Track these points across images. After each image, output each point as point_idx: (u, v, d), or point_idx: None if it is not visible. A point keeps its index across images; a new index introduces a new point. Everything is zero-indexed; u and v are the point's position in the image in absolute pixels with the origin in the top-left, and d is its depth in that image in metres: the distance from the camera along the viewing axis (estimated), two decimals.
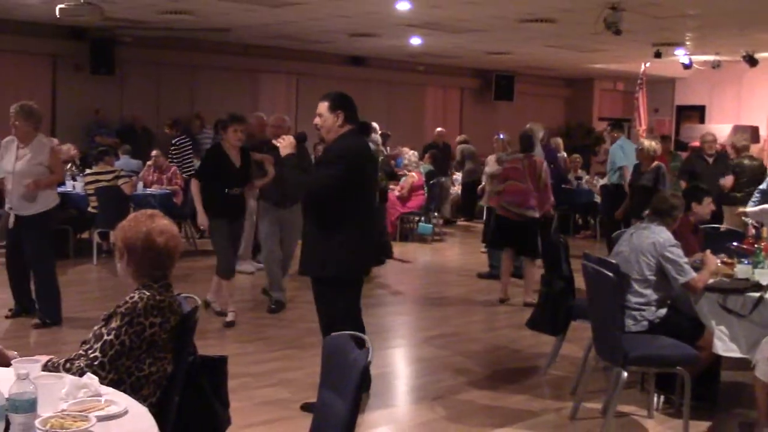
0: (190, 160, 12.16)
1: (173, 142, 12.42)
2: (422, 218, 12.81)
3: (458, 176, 15.07)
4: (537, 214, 8.03)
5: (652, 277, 4.96)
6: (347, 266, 4.86)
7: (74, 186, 10.25)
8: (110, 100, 14.06)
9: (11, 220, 6.56)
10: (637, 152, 8.98)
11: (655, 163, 8.49)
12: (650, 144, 8.57)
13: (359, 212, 4.86)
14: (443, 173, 13.86)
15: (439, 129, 15.51)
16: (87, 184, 9.74)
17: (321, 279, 4.95)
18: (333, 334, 3.01)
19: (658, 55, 13.64)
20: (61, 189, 9.92)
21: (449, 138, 15.57)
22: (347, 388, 2.66)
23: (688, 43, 13.50)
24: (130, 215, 3.26)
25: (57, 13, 9.06)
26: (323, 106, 4.89)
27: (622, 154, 10.39)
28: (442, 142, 14.94)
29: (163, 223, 3.18)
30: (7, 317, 6.81)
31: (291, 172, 5.03)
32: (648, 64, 15.83)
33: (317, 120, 4.91)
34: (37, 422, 2.25)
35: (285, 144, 4.96)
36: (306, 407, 4.85)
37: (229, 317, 6.96)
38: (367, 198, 4.98)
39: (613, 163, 10.49)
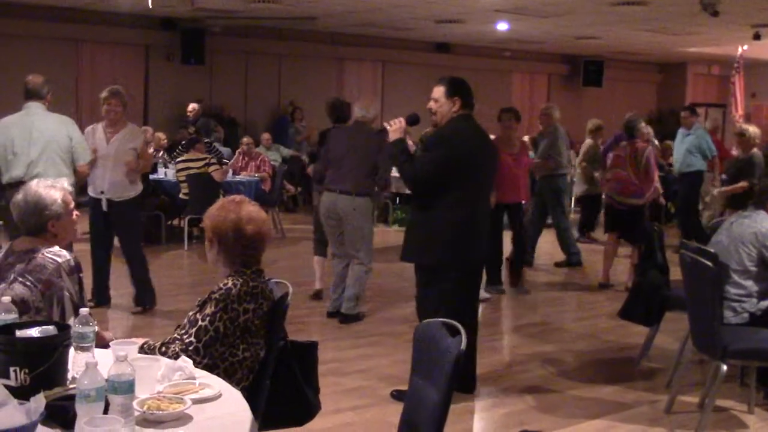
0: None
1: None
2: None
3: None
4: (640, 201, 7.89)
5: (753, 268, 4.76)
6: (448, 254, 4.73)
7: (166, 173, 10.48)
8: (200, 89, 14.33)
9: (104, 204, 6.54)
10: (737, 138, 8.69)
11: (754, 150, 8.19)
12: (755, 130, 8.25)
13: (466, 199, 4.72)
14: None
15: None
16: (178, 171, 9.93)
17: (422, 266, 4.88)
18: (424, 321, 2.97)
19: (757, 37, 13.12)
20: (153, 176, 10.19)
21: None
22: (439, 377, 2.62)
23: None
24: (217, 202, 3.26)
25: (149, 3, 9.26)
26: (439, 91, 4.77)
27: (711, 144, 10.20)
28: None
29: (251, 209, 3.19)
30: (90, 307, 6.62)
31: (399, 158, 4.87)
32: (746, 47, 15.23)
33: (432, 104, 4.80)
34: (134, 403, 2.28)
35: (395, 128, 4.82)
36: (396, 395, 4.84)
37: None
38: (476, 184, 4.80)
39: (702, 150, 10.17)
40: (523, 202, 8.13)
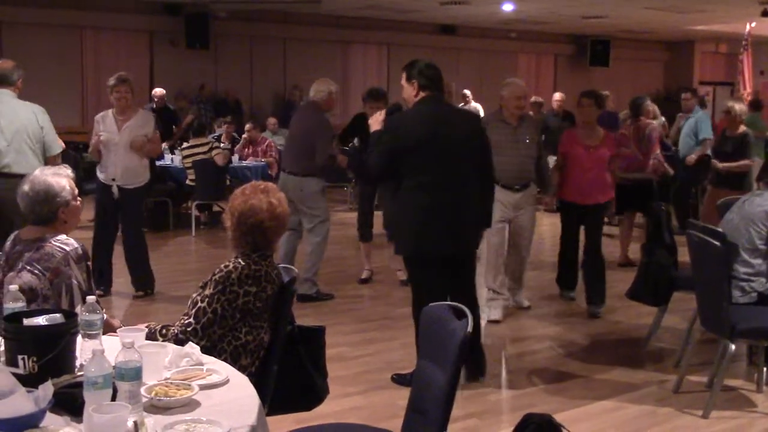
0: None
1: None
2: None
3: None
4: (645, 175, 7.96)
5: (763, 247, 4.74)
6: (413, 245, 4.62)
7: (172, 159, 10.47)
8: (205, 74, 14.31)
9: (115, 192, 6.51)
10: (724, 116, 8.64)
11: (742, 128, 8.18)
12: (741, 107, 8.25)
13: (428, 184, 4.48)
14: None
15: (558, 95, 13.40)
16: (184, 157, 9.93)
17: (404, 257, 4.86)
18: (431, 304, 2.96)
19: (765, 14, 13.04)
20: (159, 162, 10.19)
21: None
22: (446, 360, 2.62)
23: None
24: (246, 185, 3.27)
25: None
26: (402, 77, 4.69)
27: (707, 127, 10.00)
28: (562, 111, 12.72)
29: (271, 200, 3.17)
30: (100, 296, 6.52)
31: (370, 150, 4.70)
32: (754, 24, 15.12)
33: (403, 91, 4.75)
34: (142, 390, 2.29)
35: (375, 119, 4.68)
36: (396, 378, 4.86)
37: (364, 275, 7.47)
38: (436, 169, 4.49)
39: (696, 134, 9.98)
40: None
